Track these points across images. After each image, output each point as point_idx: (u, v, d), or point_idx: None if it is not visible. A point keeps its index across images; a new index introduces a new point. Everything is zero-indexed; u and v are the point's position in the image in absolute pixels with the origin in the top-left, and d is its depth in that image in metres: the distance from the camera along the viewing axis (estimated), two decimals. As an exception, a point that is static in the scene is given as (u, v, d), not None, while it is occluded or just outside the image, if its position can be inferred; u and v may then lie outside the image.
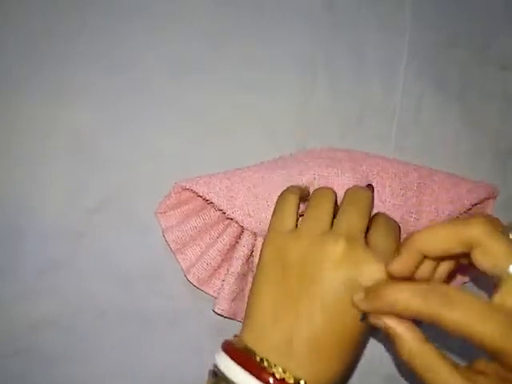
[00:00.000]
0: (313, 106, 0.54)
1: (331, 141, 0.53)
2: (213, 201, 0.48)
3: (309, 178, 0.48)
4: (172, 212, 0.51)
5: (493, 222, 0.34)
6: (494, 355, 0.33)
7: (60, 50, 0.52)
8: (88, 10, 0.53)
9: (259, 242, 0.49)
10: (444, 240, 0.35)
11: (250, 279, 0.51)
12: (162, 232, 0.51)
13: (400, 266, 0.37)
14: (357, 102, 0.55)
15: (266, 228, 0.47)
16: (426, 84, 0.56)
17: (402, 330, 0.35)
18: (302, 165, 0.49)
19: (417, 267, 0.38)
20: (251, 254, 0.49)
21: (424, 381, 0.34)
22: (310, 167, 0.49)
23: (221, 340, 0.50)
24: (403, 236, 0.50)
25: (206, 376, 0.50)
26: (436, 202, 0.51)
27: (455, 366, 0.34)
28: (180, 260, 0.51)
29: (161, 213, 0.51)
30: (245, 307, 0.50)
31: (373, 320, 0.37)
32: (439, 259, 0.40)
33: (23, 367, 0.50)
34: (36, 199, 0.51)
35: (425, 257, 0.37)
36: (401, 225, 0.49)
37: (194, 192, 0.49)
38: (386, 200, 0.50)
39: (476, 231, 0.34)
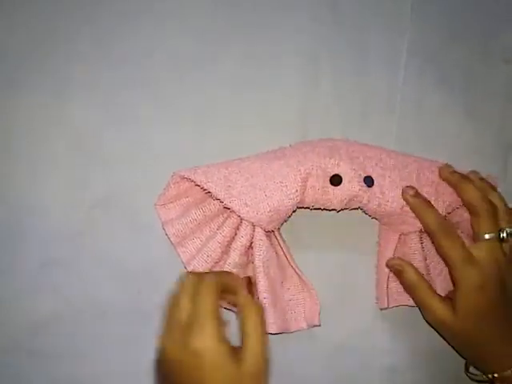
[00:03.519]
0: (315, 102, 0.55)
1: (332, 136, 0.53)
2: (210, 190, 0.48)
3: (307, 168, 0.48)
4: (171, 205, 0.52)
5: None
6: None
7: (60, 47, 0.53)
8: (89, 8, 0.53)
9: (257, 232, 0.49)
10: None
11: (250, 271, 0.51)
12: (162, 225, 0.51)
13: None
14: (359, 98, 0.55)
15: (264, 218, 0.48)
16: (428, 79, 0.56)
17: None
18: (300, 155, 0.49)
19: None
20: (250, 246, 0.49)
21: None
22: (308, 158, 0.49)
23: None
24: (404, 226, 0.50)
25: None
26: (436, 193, 0.50)
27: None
28: (180, 253, 0.51)
29: (160, 205, 0.51)
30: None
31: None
32: None
33: (23, 365, 0.51)
34: (36, 197, 0.51)
35: None
36: (401, 216, 0.50)
37: (192, 181, 0.49)
38: (385, 192, 0.49)
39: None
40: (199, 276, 0.44)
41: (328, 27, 0.55)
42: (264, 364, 0.42)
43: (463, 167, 0.53)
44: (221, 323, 0.42)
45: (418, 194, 0.49)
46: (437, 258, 0.52)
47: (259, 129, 0.54)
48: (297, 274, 0.51)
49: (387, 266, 0.51)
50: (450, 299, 0.49)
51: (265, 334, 0.43)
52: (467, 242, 0.50)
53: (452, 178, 0.50)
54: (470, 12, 0.57)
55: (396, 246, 0.51)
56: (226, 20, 0.55)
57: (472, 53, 0.57)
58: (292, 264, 0.51)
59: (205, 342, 0.40)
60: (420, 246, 0.51)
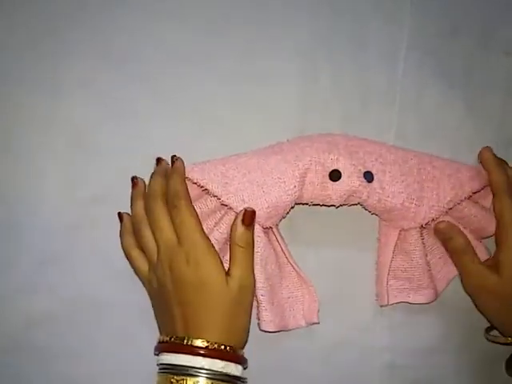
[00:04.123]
0: (313, 96, 0.54)
1: (332, 130, 0.52)
2: (207, 187, 0.47)
3: (305, 163, 0.48)
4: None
5: None
6: None
7: (58, 44, 0.52)
8: (86, 4, 0.53)
9: (255, 229, 0.48)
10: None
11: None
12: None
13: None
14: (358, 91, 0.55)
15: (262, 214, 0.47)
16: (428, 72, 0.56)
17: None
18: (298, 150, 0.48)
19: None
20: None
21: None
22: (307, 152, 0.48)
23: None
24: (404, 222, 0.50)
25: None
26: (437, 188, 0.50)
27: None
28: (177, 250, 0.50)
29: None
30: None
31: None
32: None
33: (20, 363, 0.50)
34: (34, 193, 0.51)
35: None
36: (401, 211, 0.49)
37: (189, 179, 0.48)
38: (385, 187, 0.49)
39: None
40: (173, 202, 0.47)
41: (327, 21, 0.55)
42: (248, 287, 0.47)
43: (463, 160, 0.53)
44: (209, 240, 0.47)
45: (492, 152, 0.53)
46: (437, 255, 0.52)
47: (258, 124, 0.53)
48: (295, 270, 0.50)
49: (435, 230, 0.51)
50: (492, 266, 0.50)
51: (251, 263, 0.47)
52: (471, 237, 0.50)
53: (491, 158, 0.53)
54: (469, 5, 0.57)
55: (396, 242, 0.51)
56: (225, 15, 0.54)
57: (472, 46, 0.57)
58: (290, 261, 0.50)
59: (205, 255, 0.46)
60: (421, 241, 0.50)
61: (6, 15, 0.52)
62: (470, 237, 0.50)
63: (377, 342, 0.53)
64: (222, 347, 0.44)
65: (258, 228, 0.48)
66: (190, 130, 0.53)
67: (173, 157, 0.50)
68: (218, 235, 0.48)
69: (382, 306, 0.52)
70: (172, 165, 0.49)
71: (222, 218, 0.49)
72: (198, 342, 0.44)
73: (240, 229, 0.47)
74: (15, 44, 0.52)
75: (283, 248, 0.50)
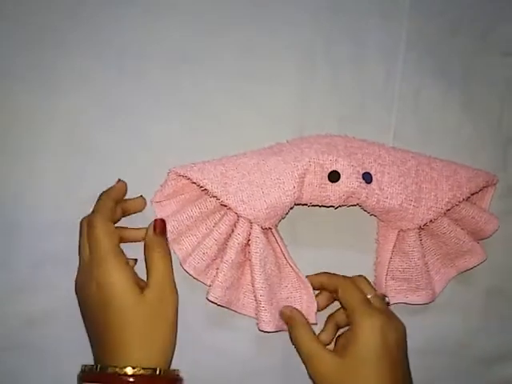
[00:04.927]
0: (312, 94, 0.54)
1: (330, 129, 0.53)
2: (207, 187, 0.47)
3: (304, 164, 0.48)
4: (167, 202, 0.51)
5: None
6: None
7: (57, 42, 0.52)
8: (85, 3, 0.53)
9: (254, 230, 0.48)
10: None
11: (248, 269, 0.50)
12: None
13: None
14: (356, 90, 0.55)
15: (261, 215, 0.47)
16: (426, 72, 0.56)
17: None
18: (297, 151, 0.49)
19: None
20: (247, 243, 0.49)
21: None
22: (306, 154, 0.48)
23: (217, 331, 0.50)
24: (403, 223, 0.50)
25: (201, 365, 0.50)
26: (435, 190, 0.50)
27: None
28: (176, 250, 0.50)
29: (156, 202, 0.51)
30: (240, 297, 0.50)
31: None
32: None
33: (19, 362, 0.50)
34: (32, 192, 0.51)
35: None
36: (400, 212, 0.49)
37: (189, 179, 0.48)
38: (384, 188, 0.49)
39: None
40: (88, 221, 0.47)
41: (326, 20, 0.55)
42: (167, 293, 0.46)
43: (462, 160, 0.53)
44: (121, 257, 0.46)
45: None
46: (436, 256, 0.52)
47: (256, 122, 0.53)
48: (294, 271, 0.50)
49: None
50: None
51: (168, 267, 0.47)
52: (469, 238, 0.50)
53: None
54: (469, 4, 0.57)
55: (395, 243, 0.51)
56: (224, 13, 0.54)
57: (471, 45, 0.57)
58: (289, 262, 0.50)
59: (107, 276, 0.45)
60: (419, 242, 0.50)
61: (4, 14, 0.52)
62: (467, 238, 0.50)
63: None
64: (150, 371, 0.43)
65: (257, 229, 0.48)
66: (189, 129, 0.53)
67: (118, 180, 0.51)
68: (217, 235, 0.48)
69: (380, 307, 0.52)
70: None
71: (221, 219, 0.49)
72: (127, 370, 0.42)
73: (151, 233, 0.48)
74: (14, 43, 0.52)
75: (282, 249, 0.50)
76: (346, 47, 0.55)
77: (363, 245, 0.53)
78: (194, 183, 0.48)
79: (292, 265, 0.50)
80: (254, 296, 0.49)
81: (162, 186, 0.50)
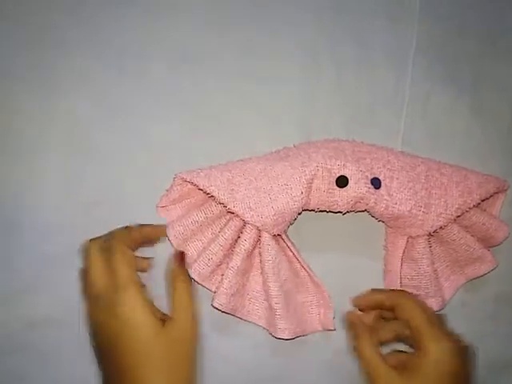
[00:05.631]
0: (317, 97, 0.53)
1: (337, 134, 0.52)
2: (213, 194, 0.47)
3: (312, 169, 0.47)
4: (173, 206, 0.50)
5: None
6: None
7: (57, 42, 0.52)
8: (85, 2, 0.52)
9: (265, 237, 0.47)
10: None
11: (253, 276, 0.50)
12: (163, 227, 0.50)
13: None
14: (363, 95, 0.54)
15: (268, 222, 0.47)
16: (435, 76, 0.55)
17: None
18: (304, 156, 0.48)
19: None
20: (253, 250, 0.48)
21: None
22: (313, 158, 0.47)
23: (222, 338, 0.50)
24: (412, 229, 0.49)
25: (205, 372, 0.49)
26: (445, 196, 0.49)
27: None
28: (181, 255, 0.50)
29: (162, 207, 0.50)
30: (245, 303, 0.49)
31: None
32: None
33: (21, 365, 0.50)
34: (32, 192, 0.51)
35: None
36: (409, 218, 0.48)
37: (195, 185, 0.48)
38: (393, 194, 0.48)
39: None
40: (105, 247, 0.45)
41: (332, 23, 0.54)
42: (191, 331, 0.44)
43: (471, 166, 0.52)
44: (141, 286, 0.44)
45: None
46: (445, 263, 0.51)
47: (256, 122, 0.53)
48: (309, 275, 0.50)
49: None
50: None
51: (192, 303, 0.45)
52: (479, 245, 0.50)
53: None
54: (478, 7, 0.56)
55: (404, 250, 0.50)
56: (226, 13, 0.53)
57: (481, 50, 0.56)
58: (304, 266, 0.50)
59: (128, 305, 0.43)
60: (428, 249, 0.50)
61: (4, 14, 0.51)
62: (477, 245, 0.49)
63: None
64: None
65: (267, 236, 0.47)
66: (190, 129, 0.52)
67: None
68: (222, 241, 0.48)
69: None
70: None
71: (227, 224, 0.48)
72: None
73: (174, 264, 0.47)
74: (14, 43, 0.51)
75: (295, 254, 0.49)
76: (350, 48, 0.54)
77: (371, 251, 0.52)
78: (200, 189, 0.48)
79: (307, 269, 0.50)
80: (269, 304, 0.48)
81: (167, 190, 0.50)
